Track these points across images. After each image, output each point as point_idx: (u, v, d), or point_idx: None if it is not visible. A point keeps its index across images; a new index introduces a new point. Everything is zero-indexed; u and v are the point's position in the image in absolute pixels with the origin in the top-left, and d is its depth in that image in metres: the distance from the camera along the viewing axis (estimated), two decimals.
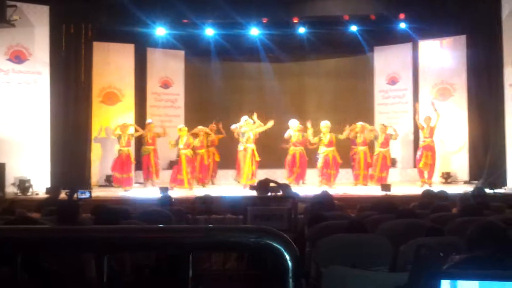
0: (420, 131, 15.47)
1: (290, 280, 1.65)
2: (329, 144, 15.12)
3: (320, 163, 15.18)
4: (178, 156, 15.13)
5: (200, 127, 15.64)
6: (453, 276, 1.68)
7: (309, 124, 15.32)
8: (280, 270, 1.66)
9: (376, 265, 4.59)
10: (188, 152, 14.96)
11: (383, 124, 15.51)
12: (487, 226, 3.69)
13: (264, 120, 15.20)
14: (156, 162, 15.62)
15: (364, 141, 15.51)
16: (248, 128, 14.85)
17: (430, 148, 15.04)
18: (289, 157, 15.58)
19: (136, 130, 15.61)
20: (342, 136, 15.36)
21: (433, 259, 3.03)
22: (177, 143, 15.04)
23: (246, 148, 14.85)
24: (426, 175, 15.04)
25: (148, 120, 16.14)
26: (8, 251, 1.80)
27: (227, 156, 16.33)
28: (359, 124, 15.64)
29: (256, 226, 1.76)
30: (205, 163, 15.85)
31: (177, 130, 15.32)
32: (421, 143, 15.41)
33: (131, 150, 15.43)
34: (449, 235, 5.15)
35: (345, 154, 15.88)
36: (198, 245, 1.76)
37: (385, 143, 15.26)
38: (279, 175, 15.17)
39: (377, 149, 15.32)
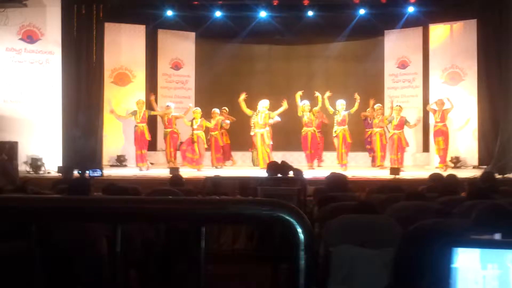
0: (432, 115, 15.47)
1: (302, 252, 1.63)
2: (342, 122, 15.19)
3: (336, 143, 15.34)
4: (192, 135, 15.19)
5: (215, 112, 15.75)
6: (454, 244, 1.67)
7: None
8: (292, 243, 1.65)
9: (384, 246, 4.63)
10: (201, 133, 15.08)
11: (399, 106, 15.43)
12: (495, 207, 3.72)
13: (275, 103, 15.32)
14: (172, 144, 15.60)
15: (380, 122, 15.57)
16: (261, 113, 14.96)
17: (442, 133, 15.05)
18: (302, 140, 15.63)
19: (151, 109, 15.63)
20: (353, 110, 15.40)
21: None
22: (191, 124, 15.14)
23: (256, 133, 14.98)
24: (438, 159, 15.13)
25: (167, 103, 16.11)
26: (23, 220, 1.81)
27: (239, 138, 16.41)
28: (377, 106, 15.72)
29: (269, 199, 1.76)
30: (220, 144, 15.95)
31: (192, 112, 15.40)
32: (433, 128, 15.41)
33: (147, 126, 15.31)
34: (457, 218, 5.17)
35: (358, 136, 15.98)
36: (211, 216, 1.73)
37: (400, 125, 15.21)
38: (296, 158, 15.41)
39: (391, 131, 15.31)
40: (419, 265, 3.20)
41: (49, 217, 1.81)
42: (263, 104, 15.06)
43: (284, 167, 9.58)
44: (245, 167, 15.96)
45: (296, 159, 15.72)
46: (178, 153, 15.61)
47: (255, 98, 15.73)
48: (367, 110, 15.98)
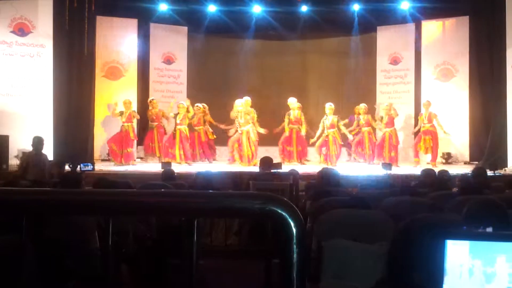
0: (419, 117, 15.51)
1: (295, 246, 1.61)
2: (331, 126, 15.06)
3: (319, 142, 15.15)
4: (174, 130, 15.07)
5: (197, 105, 15.63)
6: (446, 236, 1.67)
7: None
8: (284, 236, 1.65)
9: (377, 240, 4.64)
10: (183, 128, 14.92)
11: (386, 105, 15.47)
12: (486, 202, 3.72)
13: (264, 100, 15.27)
14: (158, 139, 15.54)
15: (367, 122, 15.56)
16: (243, 109, 14.78)
17: (430, 133, 15.06)
18: (285, 135, 15.55)
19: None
20: (343, 129, 15.30)
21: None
22: (175, 117, 15.02)
23: (242, 131, 14.76)
24: (430, 157, 15.14)
25: (151, 98, 16.10)
26: (14, 213, 1.79)
27: (224, 133, 16.34)
28: (363, 105, 15.71)
29: (261, 192, 1.75)
30: (202, 140, 15.88)
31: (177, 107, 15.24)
32: (421, 128, 15.40)
33: (133, 126, 15.10)
34: (449, 213, 5.18)
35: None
36: (204, 210, 1.70)
37: (390, 123, 15.24)
38: (273, 152, 15.34)
39: (383, 129, 15.32)
40: (412, 259, 3.22)
41: (40, 210, 1.78)
42: (240, 103, 14.93)
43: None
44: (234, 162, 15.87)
45: (275, 155, 15.68)
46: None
47: (247, 93, 15.67)
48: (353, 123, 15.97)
